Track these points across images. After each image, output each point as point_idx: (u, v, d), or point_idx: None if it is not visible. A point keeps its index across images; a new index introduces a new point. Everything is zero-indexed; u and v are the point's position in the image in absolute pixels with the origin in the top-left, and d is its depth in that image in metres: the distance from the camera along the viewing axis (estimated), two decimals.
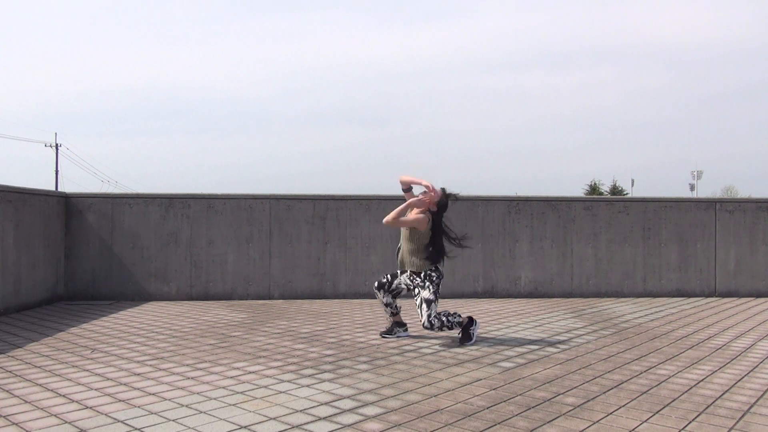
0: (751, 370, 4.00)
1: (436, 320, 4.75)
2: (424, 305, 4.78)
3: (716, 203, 8.19)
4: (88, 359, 4.25)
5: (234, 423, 2.94)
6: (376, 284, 5.10)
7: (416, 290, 4.87)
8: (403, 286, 5.01)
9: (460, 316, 4.86)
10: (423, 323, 4.75)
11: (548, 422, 2.96)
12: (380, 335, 5.11)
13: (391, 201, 7.72)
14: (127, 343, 4.83)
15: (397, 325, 5.14)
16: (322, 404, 3.24)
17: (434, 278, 4.85)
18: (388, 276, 5.09)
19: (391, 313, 5.09)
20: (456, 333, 5.09)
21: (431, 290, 4.81)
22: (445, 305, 7.00)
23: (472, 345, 4.79)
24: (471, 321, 4.93)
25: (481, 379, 3.75)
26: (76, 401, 3.27)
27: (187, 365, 4.09)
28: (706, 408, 3.20)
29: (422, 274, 4.85)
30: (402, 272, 5.03)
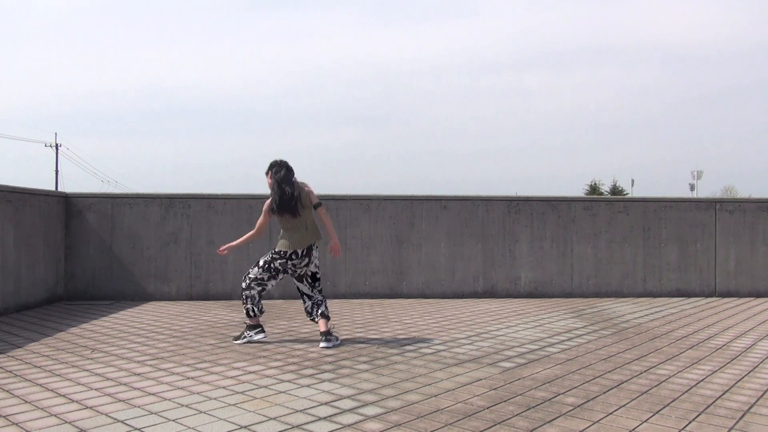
0: (751, 370, 4.00)
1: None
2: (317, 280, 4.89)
3: (716, 203, 8.19)
4: (88, 359, 4.26)
5: (234, 423, 2.94)
6: (257, 279, 4.81)
7: (312, 267, 4.83)
8: (290, 271, 4.84)
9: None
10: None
11: (548, 422, 2.96)
12: (233, 340, 4.86)
13: (392, 201, 7.73)
14: (127, 343, 4.83)
15: (252, 328, 4.85)
16: (322, 404, 3.24)
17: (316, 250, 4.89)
18: (261, 270, 4.81)
19: (260, 311, 4.85)
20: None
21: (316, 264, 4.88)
22: (446, 305, 7.02)
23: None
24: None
25: (481, 379, 3.75)
26: (76, 401, 3.27)
27: (187, 365, 4.09)
28: (706, 408, 3.20)
29: (315, 247, 4.84)
30: (288, 258, 4.77)
